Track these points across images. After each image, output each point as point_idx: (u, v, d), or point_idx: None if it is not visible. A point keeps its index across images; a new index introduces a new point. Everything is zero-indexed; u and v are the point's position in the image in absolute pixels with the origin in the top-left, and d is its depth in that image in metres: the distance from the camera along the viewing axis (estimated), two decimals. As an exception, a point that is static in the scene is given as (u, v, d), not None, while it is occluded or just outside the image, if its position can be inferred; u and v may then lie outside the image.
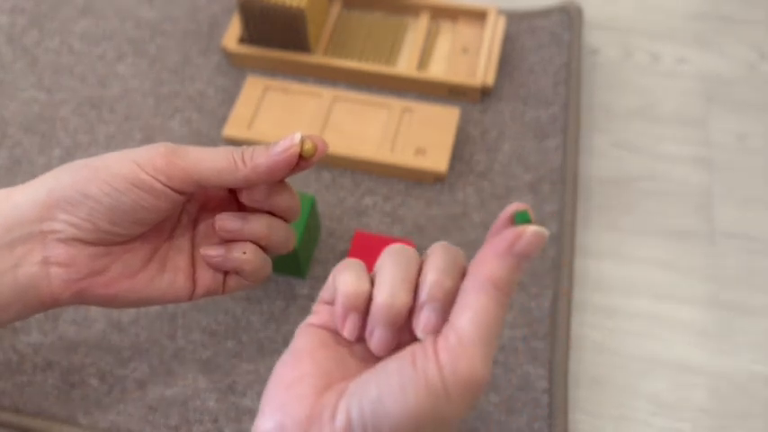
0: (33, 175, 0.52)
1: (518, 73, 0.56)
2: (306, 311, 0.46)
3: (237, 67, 0.57)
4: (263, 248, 0.35)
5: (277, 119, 0.53)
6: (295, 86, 0.54)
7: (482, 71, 0.54)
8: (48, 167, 0.52)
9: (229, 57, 0.57)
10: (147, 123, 0.54)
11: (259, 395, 0.43)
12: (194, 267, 0.36)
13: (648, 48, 0.59)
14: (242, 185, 0.32)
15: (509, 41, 0.58)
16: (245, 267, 0.35)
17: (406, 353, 0.26)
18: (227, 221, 0.34)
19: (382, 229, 0.49)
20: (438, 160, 0.50)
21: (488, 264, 0.27)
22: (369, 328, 0.29)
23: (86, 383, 0.44)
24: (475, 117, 0.54)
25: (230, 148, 0.32)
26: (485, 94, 0.55)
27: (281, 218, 0.35)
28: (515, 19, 0.59)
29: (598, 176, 0.53)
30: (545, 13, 0.59)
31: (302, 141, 0.32)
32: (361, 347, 0.30)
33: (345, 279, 0.29)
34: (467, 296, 0.27)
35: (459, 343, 0.25)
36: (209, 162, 0.31)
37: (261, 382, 0.43)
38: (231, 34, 0.57)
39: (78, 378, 0.44)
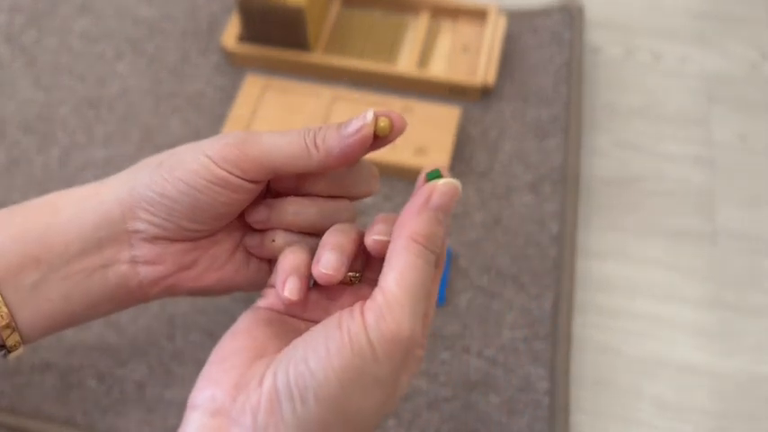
0: (32, 175, 0.52)
1: (519, 72, 0.56)
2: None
3: (236, 66, 0.57)
4: (315, 233, 0.33)
5: (276, 118, 0.53)
6: (294, 86, 0.54)
7: (483, 70, 0.54)
8: (46, 167, 0.52)
9: (228, 56, 0.57)
10: (146, 123, 0.54)
11: (258, 396, 0.43)
12: None
13: (650, 47, 0.59)
14: (317, 170, 0.30)
15: (510, 40, 0.58)
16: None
17: (334, 317, 0.26)
18: (251, 213, 0.33)
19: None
20: (438, 160, 0.50)
21: (408, 223, 0.27)
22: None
23: (85, 385, 0.44)
24: (475, 116, 0.54)
25: (302, 131, 0.30)
26: (485, 93, 0.55)
27: (344, 197, 0.33)
28: (516, 17, 0.59)
29: (599, 176, 0.52)
30: (546, 12, 0.59)
31: (375, 119, 0.29)
32: (305, 326, 0.30)
33: (286, 251, 0.30)
34: (392, 258, 0.27)
35: (384, 302, 0.25)
36: (282, 149, 0.30)
37: (260, 383, 0.43)
38: (230, 33, 0.56)
39: (76, 379, 0.44)
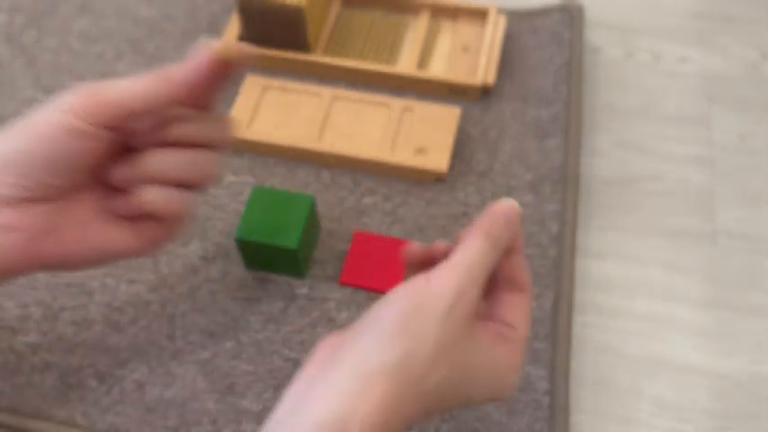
0: (31, 175, 0.52)
1: (519, 72, 0.56)
2: (305, 312, 0.46)
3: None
4: (185, 185, 0.33)
5: (276, 118, 0.53)
6: (294, 86, 0.54)
7: (483, 70, 0.54)
8: (46, 167, 0.52)
9: (229, 56, 0.57)
10: (146, 123, 0.54)
11: (258, 396, 0.43)
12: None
13: (650, 47, 0.59)
14: (169, 105, 0.31)
15: (510, 40, 0.58)
16: (153, 209, 0.33)
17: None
18: (112, 171, 0.33)
19: (382, 229, 0.49)
20: (438, 160, 0.50)
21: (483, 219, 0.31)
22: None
23: (85, 384, 0.44)
24: (475, 116, 0.54)
25: (154, 72, 0.31)
26: (485, 93, 0.55)
27: (202, 147, 0.33)
28: (516, 18, 0.59)
29: (599, 176, 0.52)
30: (546, 12, 0.59)
31: (214, 47, 0.30)
32: None
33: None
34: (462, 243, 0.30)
35: (444, 265, 0.29)
36: (131, 88, 0.30)
37: (260, 382, 0.43)
38: (230, 33, 0.57)
39: (76, 379, 0.44)
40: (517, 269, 0.32)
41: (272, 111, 0.53)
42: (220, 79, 0.31)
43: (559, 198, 0.50)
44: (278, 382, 0.43)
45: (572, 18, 0.58)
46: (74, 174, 0.31)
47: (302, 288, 0.46)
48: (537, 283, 0.47)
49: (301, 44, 0.55)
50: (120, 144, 0.33)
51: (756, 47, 0.59)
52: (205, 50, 0.30)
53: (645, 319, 0.46)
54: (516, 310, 0.31)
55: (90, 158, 0.31)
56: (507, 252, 0.31)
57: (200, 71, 0.30)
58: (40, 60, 0.58)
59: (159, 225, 0.35)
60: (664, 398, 0.44)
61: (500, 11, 0.58)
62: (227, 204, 0.50)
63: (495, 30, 0.56)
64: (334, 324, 0.45)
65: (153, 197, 0.32)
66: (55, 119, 0.30)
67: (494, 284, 0.32)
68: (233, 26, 0.57)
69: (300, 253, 0.44)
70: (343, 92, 0.54)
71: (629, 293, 0.47)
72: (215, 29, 0.59)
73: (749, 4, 0.61)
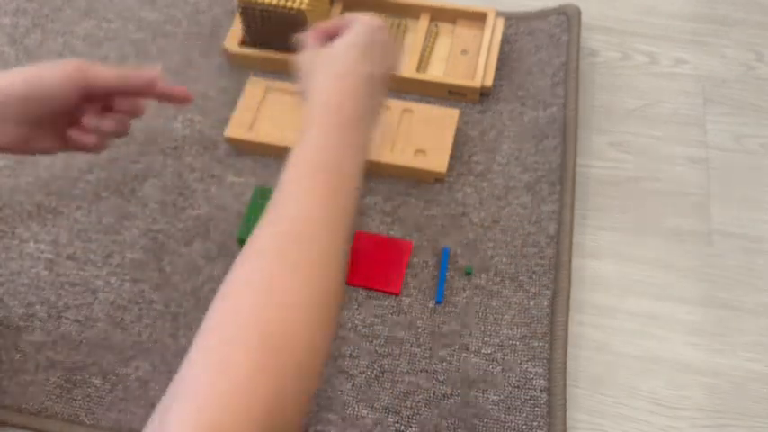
0: (37, 177, 0.53)
1: (517, 74, 0.57)
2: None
3: (239, 68, 0.58)
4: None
5: (278, 120, 0.53)
6: (296, 88, 0.55)
7: (481, 72, 0.55)
8: (51, 168, 0.53)
9: (231, 58, 0.57)
10: (150, 125, 0.55)
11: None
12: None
13: (646, 49, 0.60)
14: (123, 91, 0.44)
15: (508, 43, 0.58)
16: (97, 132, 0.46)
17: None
18: (85, 116, 0.45)
19: (382, 228, 0.50)
20: (437, 161, 0.51)
21: None
22: None
23: (89, 382, 0.44)
24: (474, 118, 0.55)
25: (123, 68, 0.43)
26: (484, 95, 0.56)
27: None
28: (514, 21, 0.60)
29: (596, 177, 0.53)
30: (543, 15, 0.60)
31: (159, 77, 0.44)
32: None
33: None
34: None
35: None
36: (109, 72, 0.43)
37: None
38: (233, 36, 0.57)
39: (81, 377, 0.44)
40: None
41: (274, 112, 0.54)
42: (155, 94, 0.45)
43: (557, 198, 0.50)
44: (279, 380, 0.44)
45: (569, 21, 0.59)
46: (51, 111, 0.42)
47: (303, 287, 0.47)
48: (534, 283, 0.47)
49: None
50: (80, 102, 0.44)
51: (751, 49, 0.59)
52: (155, 75, 0.44)
53: (641, 318, 0.47)
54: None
55: (66, 103, 0.42)
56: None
57: (145, 85, 0.44)
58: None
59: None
60: (659, 395, 0.44)
61: (498, 14, 0.59)
62: (229, 205, 0.51)
63: (493, 33, 0.57)
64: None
65: (96, 124, 0.45)
66: (62, 66, 0.41)
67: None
68: (235, 29, 0.57)
69: (302, 252, 0.44)
70: (343, 94, 0.54)
71: (625, 293, 0.48)
72: (217, 32, 0.60)
73: (743, 6, 0.62)
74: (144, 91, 0.44)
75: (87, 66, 0.42)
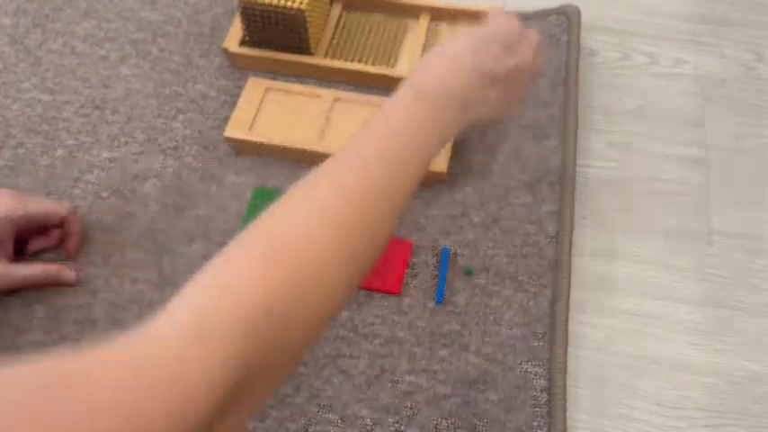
0: (37, 176, 0.53)
1: (517, 74, 0.57)
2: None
3: (239, 68, 0.58)
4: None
5: (278, 120, 0.53)
6: (296, 88, 0.55)
7: (481, 73, 0.55)
8: (51, 168, 0.53)
9: (231, 58, 0.57)
10: (150, 124, 0.55)
11: (260, 393, 0.43)
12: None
13: (646, 49, 0.60)
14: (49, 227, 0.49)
15: (508, 43, 0.58)
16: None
17: None
18: (30, 243, 0.49)
19: (382, 228, 0.50)
20: (437, 161, 0.51)
21: None
22: None
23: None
24: (474, 118, 0.55)
25: (55, 205, 0.48)
26: (484, 95, 0.56)
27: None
28: (514, 21, 0.60)
29: (596, 177, 0.53)
30: (543, 15, 0.60)
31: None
32: None
33: None
34: None
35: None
36: (39, 206, 0.47)
37: (262, 380, 0.44)
38: (233, 36, 0.57)
39: (81, 376, 0.44)
40: None
41: (274, 112, 0.54)
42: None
43: (557, 198, 0.50)
44: (279, 380, 0.44)
45: (569, 21, 0.59)
46: None
47: (303, 287, 0.47)
48: (534, 283, 0.47)
49: (303, 47, 0.55)
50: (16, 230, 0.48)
51: (750, 49, 0.59)
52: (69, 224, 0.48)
53: (641, 318, 0.47)
54: None
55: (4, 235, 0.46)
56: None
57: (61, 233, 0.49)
58: (44, 62, 0.58)
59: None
60: (659, 395, 0.44)
61: (498, 14, 0.59)
62: (228, 205, 0.51)
63: (493, 33, 0.57)
64: (334, 321, 0.46)
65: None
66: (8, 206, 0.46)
67: None
68: (235, 29, 0.57)
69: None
70: (343, 94, 0.54)
71: (625, 292, 0.48)
72: (217, 32, 0.60)
73: (743, 6, 0.62)
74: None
75: (22, 200, 0.46)
